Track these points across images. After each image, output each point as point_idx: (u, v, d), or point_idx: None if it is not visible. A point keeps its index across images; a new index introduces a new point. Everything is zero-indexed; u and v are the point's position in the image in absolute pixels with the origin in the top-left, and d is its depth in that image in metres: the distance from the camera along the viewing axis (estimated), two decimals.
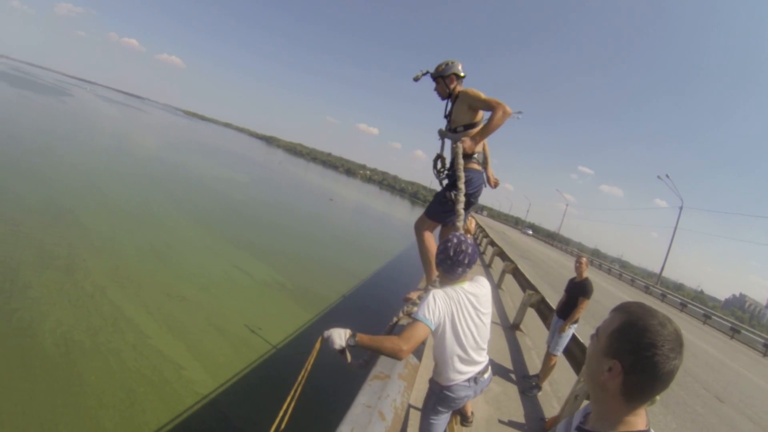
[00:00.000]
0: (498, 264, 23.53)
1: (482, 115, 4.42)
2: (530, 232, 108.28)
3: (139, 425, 9.14)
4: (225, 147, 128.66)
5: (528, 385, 8.40)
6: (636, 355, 1.13)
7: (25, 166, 26.30)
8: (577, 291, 7.67)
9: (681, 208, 44.74)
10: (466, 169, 4.28)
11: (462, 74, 4.52)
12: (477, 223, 37.28)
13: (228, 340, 13.16)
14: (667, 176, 40.18)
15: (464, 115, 4.41)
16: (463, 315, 2.82)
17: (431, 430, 3.17)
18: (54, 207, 20.23)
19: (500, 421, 6.55)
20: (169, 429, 9.31)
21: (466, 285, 2.94)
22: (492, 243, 27.05)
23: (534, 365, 9.80)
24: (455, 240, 2.88)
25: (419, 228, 4.69)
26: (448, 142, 4.69)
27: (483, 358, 3.04)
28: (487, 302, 3.00)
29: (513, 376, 8.88)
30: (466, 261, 2.85)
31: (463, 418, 4.39)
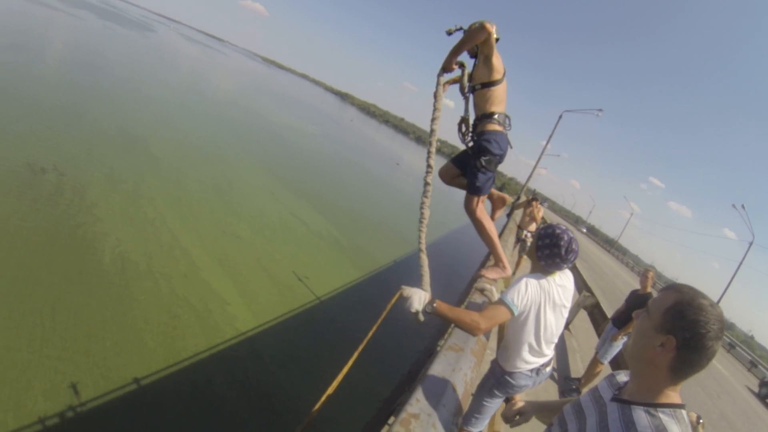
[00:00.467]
0: None
1: (502, 74, 3.95)
2: (584, 230, 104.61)
3: (178, 349, 9.30)
4: (299, 97, 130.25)
5: (569, 387, 8.02)
6: (691, 332, 1.20)
7: (104, 94, 27.58)
8: (638, 303, 7.21)
9: (751, 243, 40.37)
10: (487, 132, 3.96)
11: (496, 36, 3.88)
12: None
13: (274, 283, 13.14)
14: (743, 207, 36.30)
15: (482, 71, 3.97)
16: (548, 307, 2.75)
17: (482, 411, 3.13)
18: (127, 134, 21.07)
19: None
20: (204, 357, 9.43)
21: (557, 277, 2.82)
22: None
23: (577, 368, 9.22)
24: (566, 237, 2.70)
25: (469, 208, 4.26)
26: (472, 104, 4.25)
27: (551, 352, 2.97)
28: (570, 297, 2.90)
29: (555, 374, 8.48)
30: (572, 259, 2.74)
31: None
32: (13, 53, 28.07)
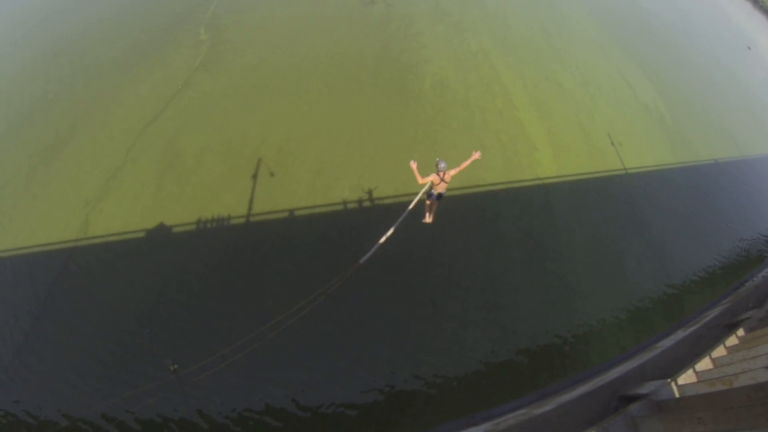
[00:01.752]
0: None
1: None
2: None
3: (478, 178, 9.42)
4: None
5: None
6: None
7: None
8: None
9: None
10: None
11: None
12: None
13: (587, 141, 11.59)
14: None
15: None
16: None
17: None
18: None
19: None
20: (499, 190, 9.32)
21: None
22: None
23: None
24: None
25: None
26: None
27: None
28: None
29: None
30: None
31: None
32: None
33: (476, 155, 5.96)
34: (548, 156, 10.31)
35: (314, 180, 8.99)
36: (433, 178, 6.12)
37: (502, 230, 8.70)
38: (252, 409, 6.93)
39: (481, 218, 8.75)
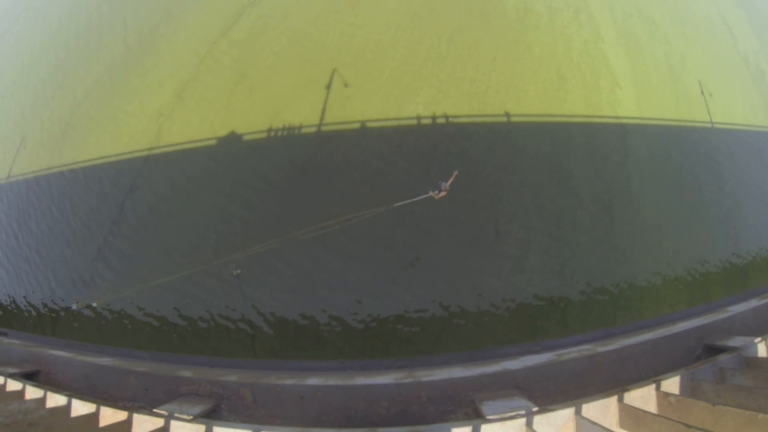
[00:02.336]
0: None
1: None
2: None
3: (555, 108, 9.07)
4: None
5: None
6: None
7: None
8: None
9: None
10: None
11: None
12: None
13: (674, 86, 10.84)
14: None
15: None
16: None
17: None
18: None
19: None
20: (576, 123, 9.00)
21: None
22: None
23: None
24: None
25: None
26: None
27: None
28: None
29: None
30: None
31: None
32: None
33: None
34: (630, 96, 9.78)
35: (389, 94, 8.96)
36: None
37: (573, 167, 8.52)
38: (305, 314, 7.49)
39: (555, 151, 8.56)
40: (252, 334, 7.59)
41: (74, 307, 7.97)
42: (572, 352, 5.76)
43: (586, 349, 5.89)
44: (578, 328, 7.44)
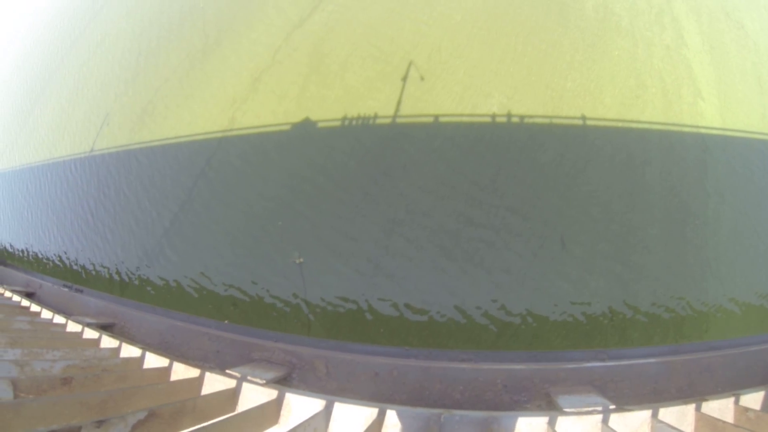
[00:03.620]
0: None
1: None
2: None
3: (632, 116, 8.76)
4: None
5: None
6: None
7: None
8: None
9: None
10: None
11: None
12: None
13: (762, 99, 10.18)
14: None
15: None
16: None
17: None
18: None
19: None
20: (654, 133, 8.67)
21: None
22: None
23: None
24: None
25: None
26: None
27: None
28: None
29: None
30: None
31: None
32: None
33: None
34: (714, 108, 9.30)
35: (463, 93, 8.94)
36: None
37: (648, 181, 8.23)
38: (358, 302, 7.69)
39: (630, 162, 8.29)
40: (309, 319, 7.87)
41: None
42: (649, 357, 5.69)
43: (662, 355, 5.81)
44: (642, 342, 7.31)
